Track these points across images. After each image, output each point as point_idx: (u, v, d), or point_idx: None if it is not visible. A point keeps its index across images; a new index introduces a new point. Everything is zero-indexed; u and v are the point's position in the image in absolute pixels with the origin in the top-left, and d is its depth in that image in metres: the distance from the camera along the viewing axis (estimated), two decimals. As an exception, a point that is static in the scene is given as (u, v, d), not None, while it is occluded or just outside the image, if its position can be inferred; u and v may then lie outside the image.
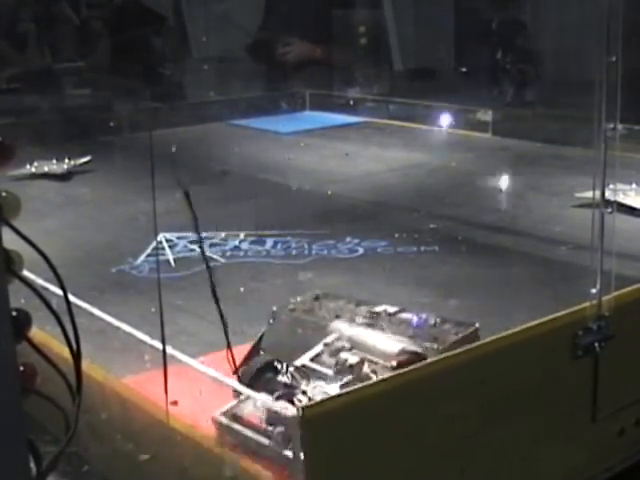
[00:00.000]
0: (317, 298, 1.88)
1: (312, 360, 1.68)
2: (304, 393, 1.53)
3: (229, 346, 1.69)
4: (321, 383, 1.58)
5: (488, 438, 1.52)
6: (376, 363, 1.64)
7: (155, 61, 5.38)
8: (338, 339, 1.74)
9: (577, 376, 1.65)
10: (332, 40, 5.14)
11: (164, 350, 1.57)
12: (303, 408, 1.29)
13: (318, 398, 1.47)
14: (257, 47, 5.44)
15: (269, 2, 5.62)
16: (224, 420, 1.53)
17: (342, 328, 1.76)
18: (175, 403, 1.57)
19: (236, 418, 1.53)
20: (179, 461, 1.52)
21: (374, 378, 1.57)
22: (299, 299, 1.88)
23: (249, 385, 1.59)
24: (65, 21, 5.58)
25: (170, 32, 5.79)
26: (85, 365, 1.28)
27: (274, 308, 1.82)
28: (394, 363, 1.61)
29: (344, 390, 1.39)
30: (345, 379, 1.57)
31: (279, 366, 1.62)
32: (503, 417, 1.54)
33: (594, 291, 1.67)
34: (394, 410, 1.38)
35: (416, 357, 1.62)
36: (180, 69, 5.58)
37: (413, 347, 1.67)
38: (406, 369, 1.45)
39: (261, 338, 1.75)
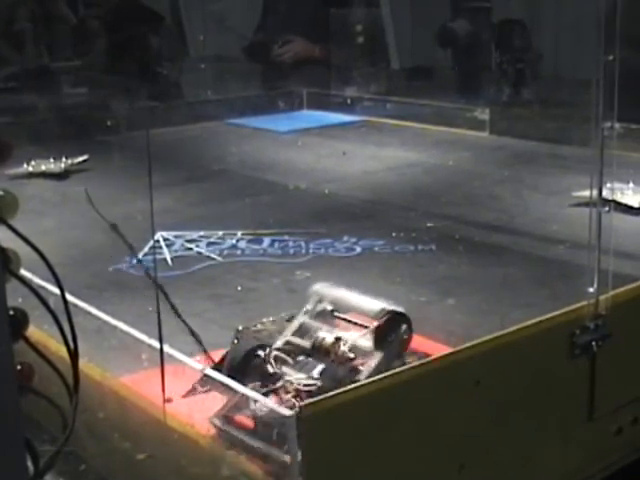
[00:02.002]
0: (290, 319, 1.82)
1: (295, 333, 1.64)
2: (290, 386, 1.50)
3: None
4: (310, 363, 1.55)
5: (485, 437, 1.52)
6: (358, 327, 1.61)
7: (152, 60, 5.38)
8: (319, 302, 1.70)
9: (574, 375, 1.65)
10: (329, 39, 5.14)
11: (161, 349, 1.57)
12: (300, 407, 1.29)
13: (301, 388, 1.46)
14: (254, 47, 5.44)
15: (267, 1, 5.62)
16: (218, 423, 1.52)
17: (322, 290, 1.73)
18: (169, 400, 1.57)
19: (230, 420, 1.51)
20: (176, 459, 1.52)
21: (351, 356, 1.54)
22: (271, 318, 1.81)
23: (237, 374, 1.57)
24: (62, 20, 5.58)
25: (168, 31, 5.79)
26: (82, 364, 1.28)
27: (239, 327, 1.79)
28: (374, 325, 1.58)
29: (342, 389, 1.39)
30: (322, 365, 1.53)
31: (262, 352, 1.58)
32: (499, 416, 1.54)
33: (591, 290, 1.67)
34: (391, 409, 1.38)
35: (396, 318, 1.59)
36: (177, 68, 5.58)
37: (394, 307, 1.62)
38: (402, 368, 1.45)
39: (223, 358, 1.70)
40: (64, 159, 3.60)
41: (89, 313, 1.86)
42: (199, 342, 1.78)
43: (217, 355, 1.82)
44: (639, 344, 1.77)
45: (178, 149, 4.07)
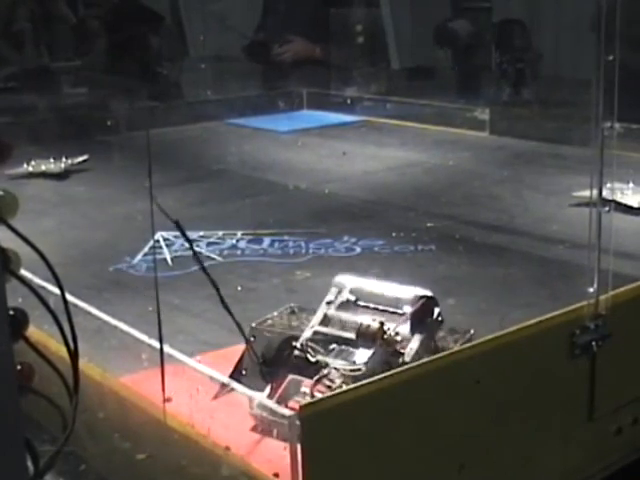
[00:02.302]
0: (293, 312, 1.86)
1: (322, 324, 1.68)
2: (335, 373, 1.54)
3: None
4: (344, 351, 1.60)
5: (485, 437, 1.52)
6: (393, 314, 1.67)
7: (152, 60, 5.38)
8: (339, 293, 1.75)
9: (574, 375, 1.65)
10: (329, 39, 5.14)
11: (161, 349, 1.57)
12: (300, 407, 1.29)
13: (350, 374, 1.51)
14: (255, 46, 5.44)
15: (267, 1, 5.61)
16: (259, 411, 1.54)
17: (344, 281, 1.78)
18: (169, 400, 1.57)
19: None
20: (176, 459, 1.52)
21: (399, 339, 1.61)
22: (275, 313, 1.85)
23: (272, 366, 1.60)
24: (62, 20, 5.58)
25: (168, 31, 5.79)
26: (82, 364, 1.28)
27: (253, 324, 1.80)
28: (409, 310, 1.65)
29: (342, 389, 1.39)
30: (370, 350, 1.58)
31: (297, 343, 1.62)
32: (499, 416, 1.54)
33: (591, 290, 1.67)
34: (391, 409, 1.38)
35: (429, 302, 1.67)
36: (177, 68, 5.58)
37: (423, 291, 1.70)
38: (402, 368, 1.45)
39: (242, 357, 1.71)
40: (64, 159, 3.60)
41: (89, 313, 1.86)
42: (242, 334, 1.78)
43: (219, 355, 1.82)
44: (639, 344, 1.77)
45: (178, 149, 4.07)
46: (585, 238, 1.71)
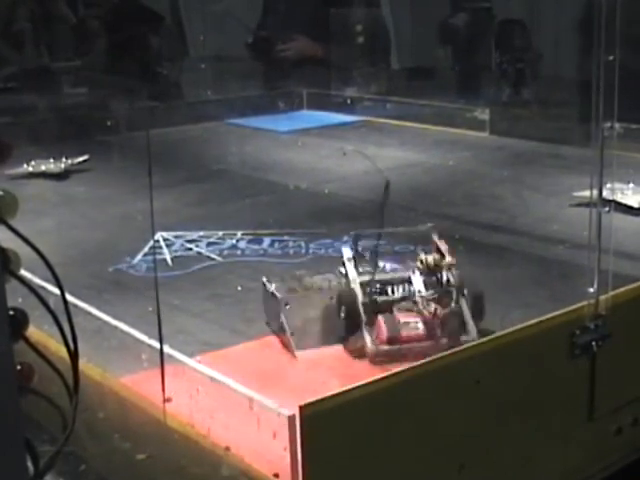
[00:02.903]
0: (290, 278, 1.99)
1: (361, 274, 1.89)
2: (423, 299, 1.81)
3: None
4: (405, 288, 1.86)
5: (485, 437, 1.52)
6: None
7: (152, 60, 5.38)
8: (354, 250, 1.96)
9: (574, 375, 1.65)
10: (330, 39, 5.13)
11: (161, 349, 1.57)
12: (300, 407, 1.29)
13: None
14: (258, 43, 5.42)
15: (267, 1, 5.61)
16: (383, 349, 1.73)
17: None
18: (169, 400, 1.57)
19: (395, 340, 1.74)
20: (176, 459, 1.52)
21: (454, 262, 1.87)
22: (273, 285, 1.96)
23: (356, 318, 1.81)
24: (62, 20, 5.58)
25: (168, 31, 5.79)
26: (82, 364, 1.28)
27: (278, 295, 1.88)
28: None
29: (344, 388, 1.39)
30: (437, 279, 1.86)
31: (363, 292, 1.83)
32: (499, 416, 1.54)
33: (591, 290, 1.67)
34: (391, 409, 1.38)
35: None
36: (177, 68, 5.58)
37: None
38: (402, 368, 1.45)
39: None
40: (64, 159, 3.60)
41: (89, 313, 1.85)
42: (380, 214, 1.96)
43: (219, 355, 1.82)
44: (639, 344, 1.77)
45: (178, 149, 4.06)
46: (585, 238, 1.71)
